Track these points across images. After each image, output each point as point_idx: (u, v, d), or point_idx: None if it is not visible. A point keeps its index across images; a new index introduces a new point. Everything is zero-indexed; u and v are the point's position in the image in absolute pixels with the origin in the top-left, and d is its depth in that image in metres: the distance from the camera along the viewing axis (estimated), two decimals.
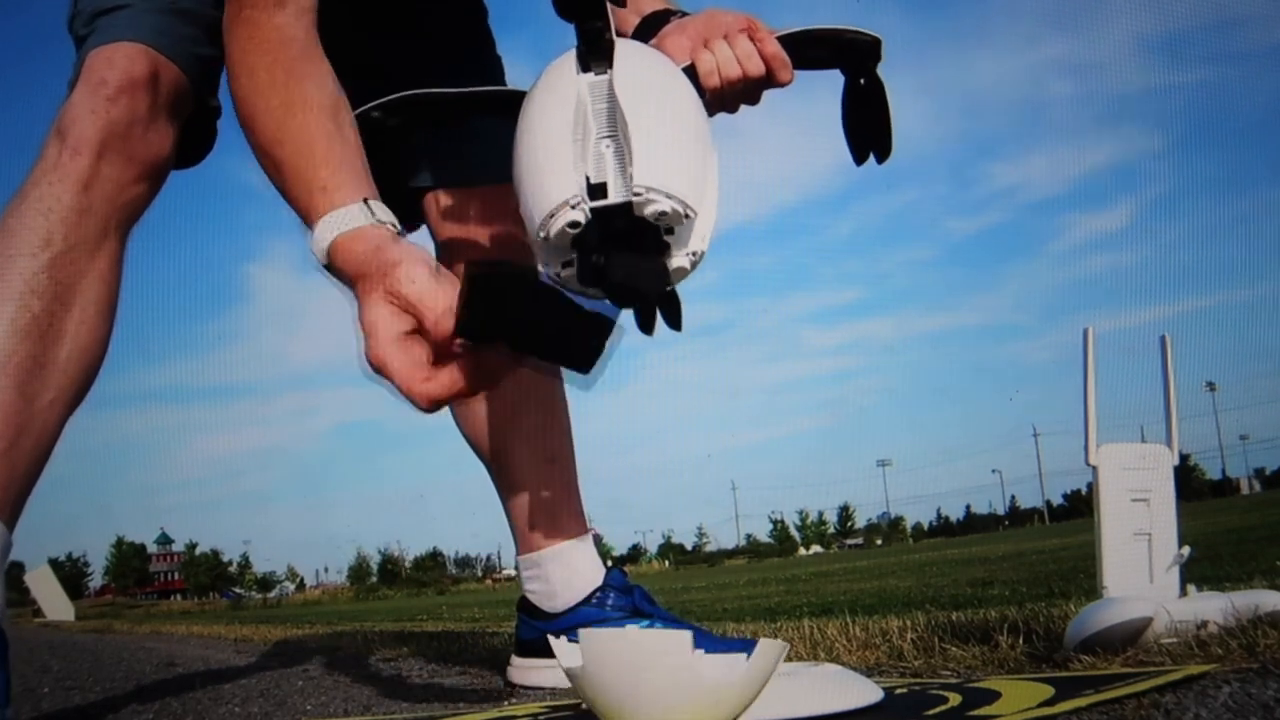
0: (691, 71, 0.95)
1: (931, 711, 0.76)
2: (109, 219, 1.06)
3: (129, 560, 71.24)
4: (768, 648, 0.66)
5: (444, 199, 1.34)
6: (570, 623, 1.28)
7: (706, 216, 0.81)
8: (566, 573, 1.29)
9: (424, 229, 1.37)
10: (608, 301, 0.82)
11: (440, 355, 0.78)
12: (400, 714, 1.15)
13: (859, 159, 1.01)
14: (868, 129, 1.01)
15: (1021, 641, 1.11)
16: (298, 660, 2.32)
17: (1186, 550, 1.05)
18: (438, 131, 1.29)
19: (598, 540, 1.37)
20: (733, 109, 1.00)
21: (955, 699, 0.81)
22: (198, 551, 73.39)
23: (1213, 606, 1.00)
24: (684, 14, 1.07)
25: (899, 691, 0.89)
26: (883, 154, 1.01)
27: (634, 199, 0.77)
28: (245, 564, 74.71)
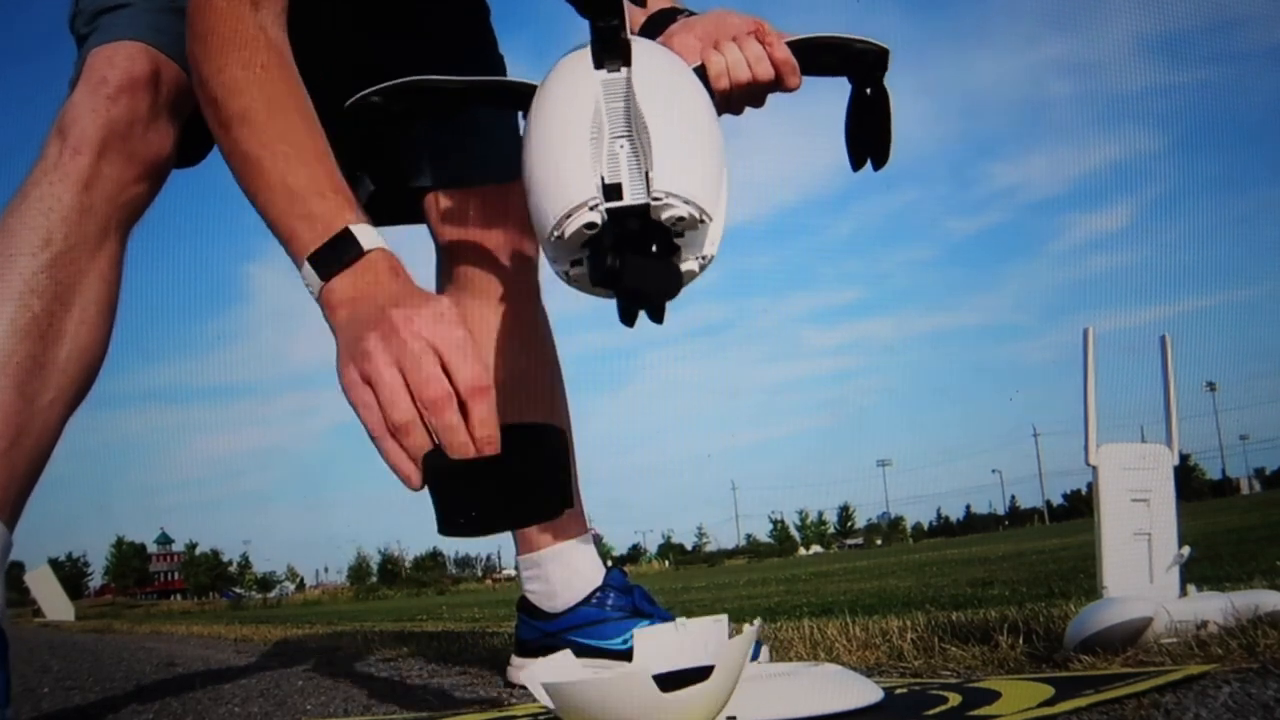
0: (701, 72, 0.94)
1: (931, 711, 0.76)
2: (109, 218, 1.06)
3: (129, 560, 71.21)
4: (735, 646, 0.67)
5: (445, 199, 1.33)
6: (570, 623, 1.28)
7: (718, 221, 0.81)
8: (566, 573, 1.29)
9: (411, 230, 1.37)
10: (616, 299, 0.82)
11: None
12: (400, 714, 1.15)
13: (856, 165, 1.02)
14: (868, 137, 1.01)
15: (1021, 641, 1.11)
16: (298, 660, 2.32)
17: (1186, 550, 1.05)
18: (439, 129, 1.29)
19: (598, 540, 1.37)
20: (738, 111, 1.00)
21: (955, 699, 0.81)
22: (198, 551, 73.39)
23: (1213, 606, 1.00)
24: (691, 13, 1.07)
25: (899, 691, 0.89)
26: (880, 162, 1.01)
27: (652, 203, 0.77)
28: (245, 564, 74.70)
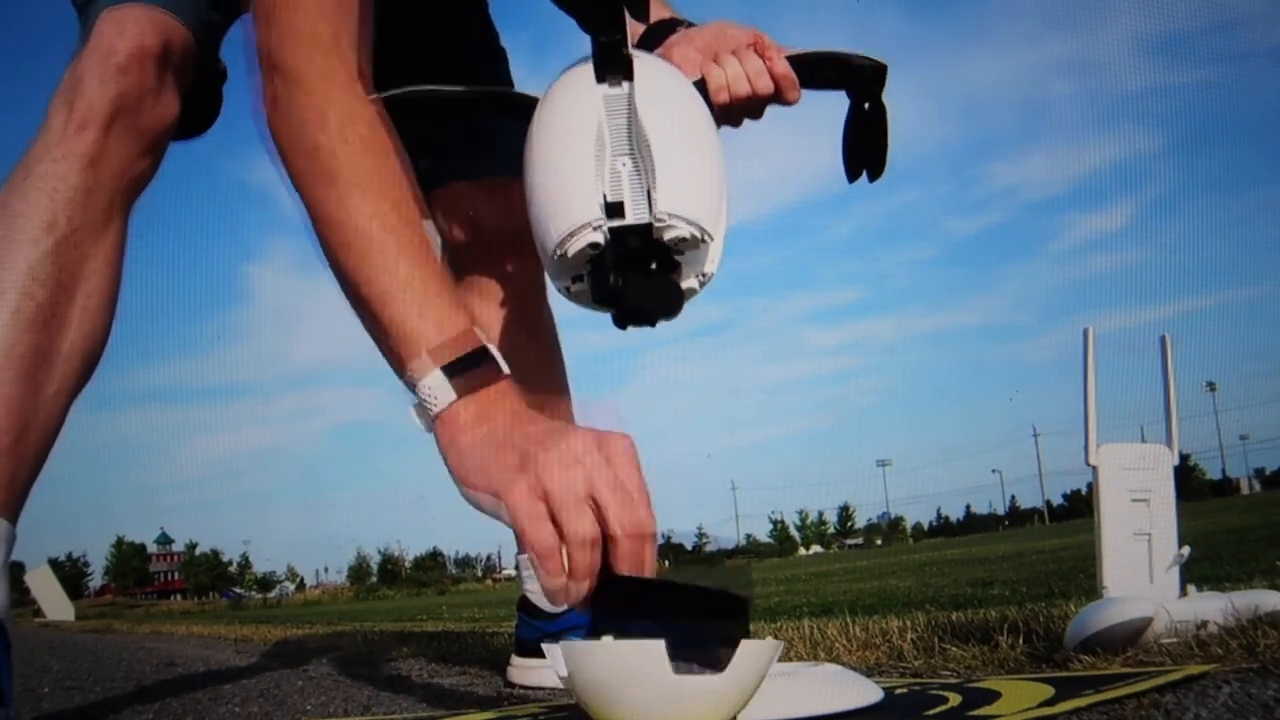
0: (701, 86, 0.95)
1: (931, 711, 0.76)
2: (115, 196, 1.02)
3: (129, 560, 71.23)
4: (752, 650, 0.66)
5: (451, 193, 1.33)
6: (570, 622, 1.28)
7: (719, 239, 0.82)
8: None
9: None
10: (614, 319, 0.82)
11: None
12: (400, 714, 1.15)
13: (852, 177, 1.03)
14: (865, 150, 1.02)
15: (1021, 641, 1.11)
16: (298, 660, 2.32)
17: (1186, 550, 1.05)
18: (444, 128, 1.29)
19: None
20: (736, 123, 1.01)
21: (955, 699, 0.80)
22: (198, 551, 73.42)
23: (1213, 606, 1.00)
24: (689, 24, 1.07)
25: (899, 691, 0.89)
26: (875, 174, 1.02)
27: (655, 224, 0.77)
28: (245, 564, 74.73)
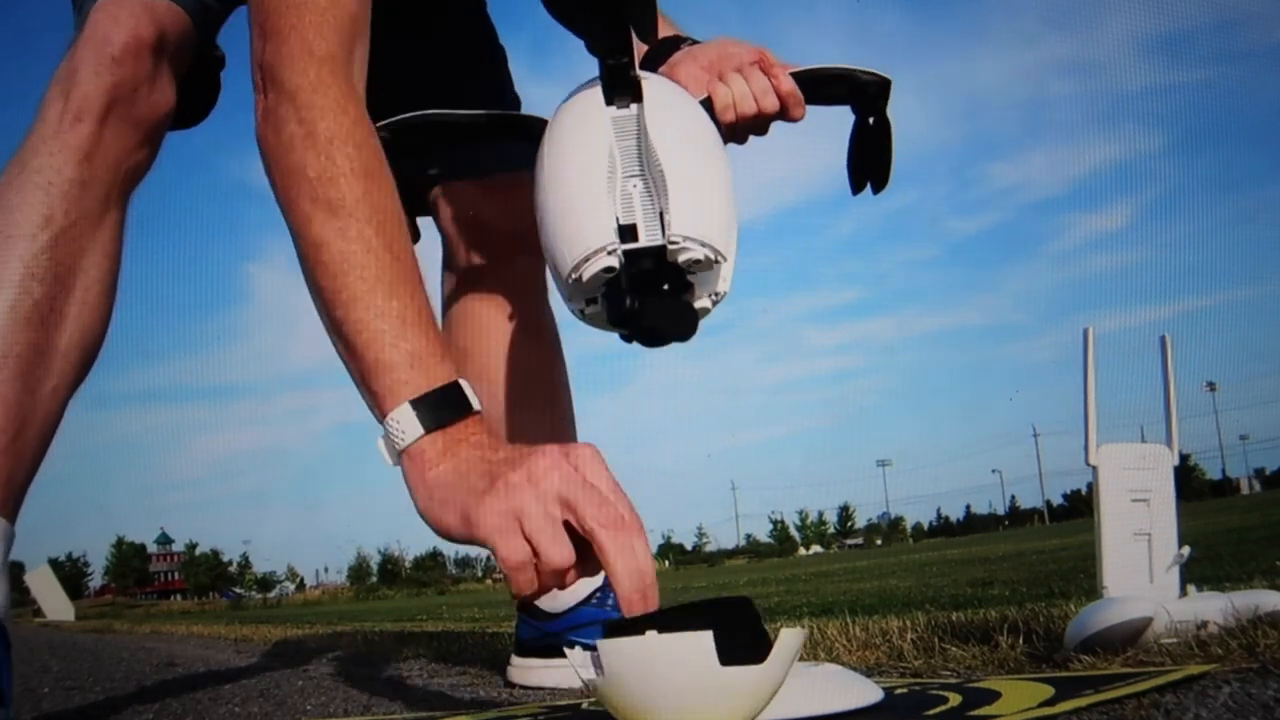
0: (707, 104, 0.95)
1: (931, 711, 0.76)
2: (111, 188, 1.01)
3: (129, 560, 71.24)
4: (789, 638, 0.65)
5: (452, 191, 1.33)
6: (570, 622, 1.28)
7: (731, 259, 0.82)
8: None
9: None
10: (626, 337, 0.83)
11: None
12: (400, 714, 1.15)
13: (856, 189, 1.03)
14: (869, 164, 1.02)
15: (1021, 641, 1.11)
16: (298, 660, 2.32)
17: (1186, 550, 1.05)
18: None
19: None
20: (742, 140, 1.01)
21: (955, 699, 0.80)
22: (198, 551, 73.45)
23: (1213, 606, 1.00)
24: (693, 41, 1.07)
25: (899, 691, 0.89)
26: (879, 187, 1.03)
27: (669, 246, 0.77)
28: (245, 564, 74.76)
